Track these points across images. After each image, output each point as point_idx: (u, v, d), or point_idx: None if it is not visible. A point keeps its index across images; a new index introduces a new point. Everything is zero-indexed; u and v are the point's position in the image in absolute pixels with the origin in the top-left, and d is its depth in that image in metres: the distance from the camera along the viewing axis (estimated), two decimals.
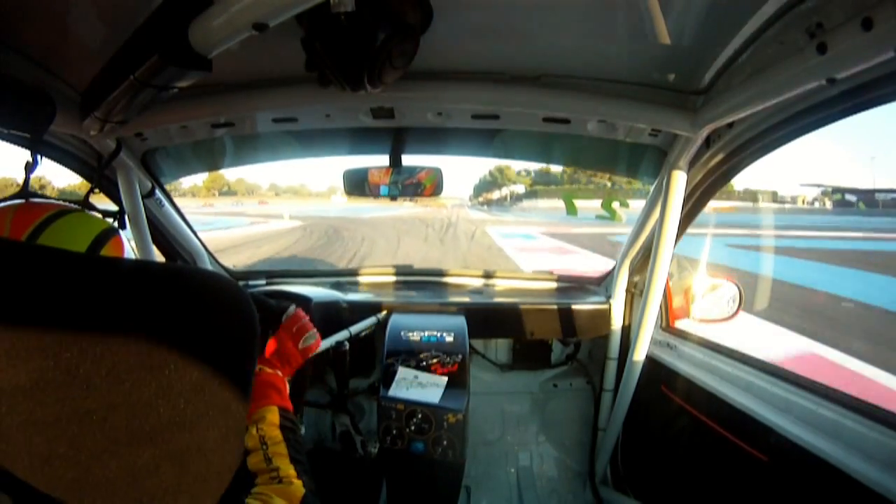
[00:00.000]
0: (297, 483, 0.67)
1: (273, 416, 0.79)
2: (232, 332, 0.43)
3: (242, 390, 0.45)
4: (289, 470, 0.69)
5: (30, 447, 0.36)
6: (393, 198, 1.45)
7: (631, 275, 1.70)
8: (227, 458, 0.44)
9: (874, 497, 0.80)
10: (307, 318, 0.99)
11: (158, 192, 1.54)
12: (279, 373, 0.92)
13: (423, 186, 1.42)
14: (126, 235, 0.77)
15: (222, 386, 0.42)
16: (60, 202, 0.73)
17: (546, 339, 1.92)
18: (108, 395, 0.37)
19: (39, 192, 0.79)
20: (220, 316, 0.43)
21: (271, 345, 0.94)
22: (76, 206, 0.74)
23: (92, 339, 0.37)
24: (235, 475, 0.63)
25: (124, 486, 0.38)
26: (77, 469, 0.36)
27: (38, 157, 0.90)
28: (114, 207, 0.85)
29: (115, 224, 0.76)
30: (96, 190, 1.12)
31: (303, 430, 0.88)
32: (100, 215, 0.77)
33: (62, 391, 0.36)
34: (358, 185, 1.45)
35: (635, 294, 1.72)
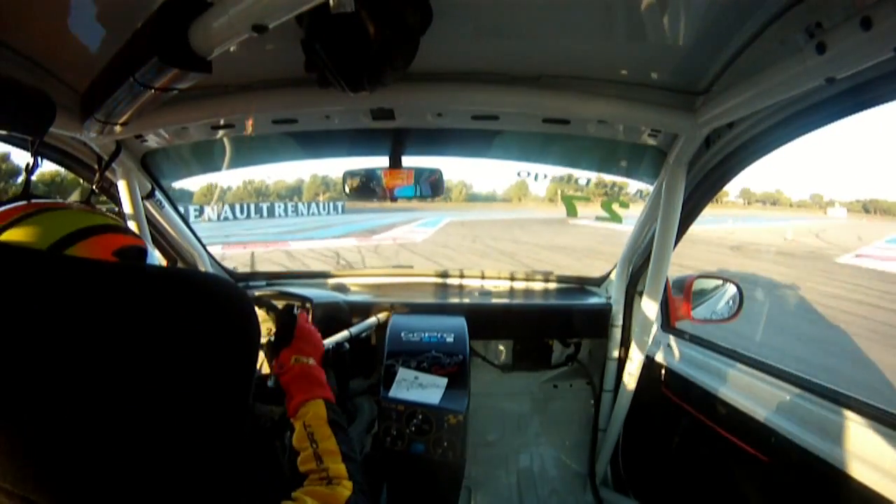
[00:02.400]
0: (347, 484, 0.61)
1: (320, 409, 0.74)
2: (235, 334, 0.43)
3: (245, 387, 0.45)
4: (340, 469, 0.64)
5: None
6: (394, 199, 1.45)
7: (631, 275, 1.70)
8: (230, 449, 0.44)
9: (875, 497, 0.80)
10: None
11: (158, 194, 1.54)
12: (311, 361, 0.87)
13: (421, 186, 1.42)
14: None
15: (225, 386, 0.42)
16: (60, 202, 0.69)
17: (546, 339, 1.92)
18: (103, 396, 0.37)
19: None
20: (222, 318, 0.42)
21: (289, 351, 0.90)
22: (64, 202, 0.63)
23: (91, 341, 0.37)
24: (282, 479, 0.60)
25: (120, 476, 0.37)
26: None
27: (39, 159, 0.90)
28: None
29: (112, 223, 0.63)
30: (97, 191, 1.11)
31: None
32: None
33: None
34: (359, 186, 1.45)
35: (635, 294, 1.72)
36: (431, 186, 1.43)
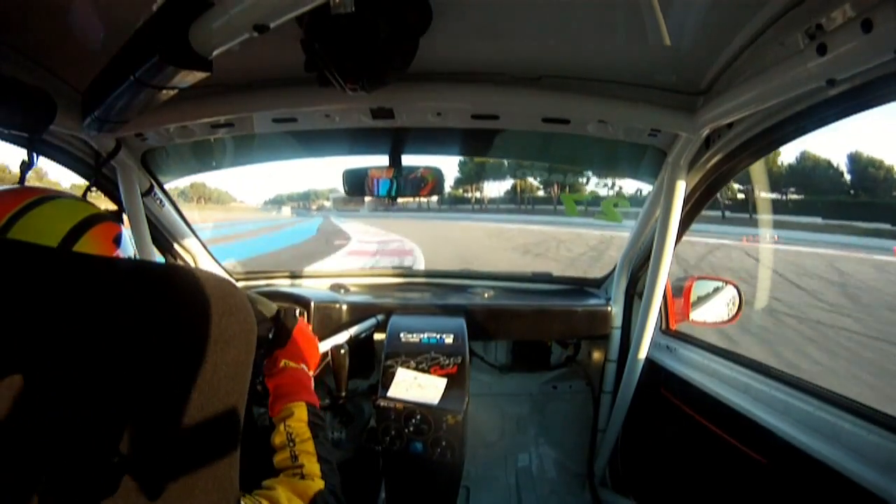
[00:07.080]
0: (319, 482, 0.65)
1: (301, 411, 0.77)
2: (230, 332, 0.43)
3: (241, 388, 0.45)
4: (313, 468, 0.68)
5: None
6: (392, 198, 1.45)
7: (631, 276, 1.70)
8: (227, 456, 0.44)
9: (872, 499, 0.80)
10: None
11: (158, 192, 1.54)
12: (304, 367, 0.91)
13: (423, 185, 1.42)
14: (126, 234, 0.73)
15: (220, 386, 0.42)
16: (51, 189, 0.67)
17: (545, 340, 1.92)
18: (98, 395, 0.37)
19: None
20: (217, 316, 0.42)
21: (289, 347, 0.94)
22: (66, 193, 0.66)
23: (83, 338, 0.37)
24: (260, 472, 0.63)
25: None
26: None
27: (35, 155, 0.90)
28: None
29: (103, 212, 0.67)
30: (94, 188, 1.12)
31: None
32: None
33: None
34: (359, 184, 1.45)
35: (635, 295, 1.72)
36: (431, 186, 1.44)
